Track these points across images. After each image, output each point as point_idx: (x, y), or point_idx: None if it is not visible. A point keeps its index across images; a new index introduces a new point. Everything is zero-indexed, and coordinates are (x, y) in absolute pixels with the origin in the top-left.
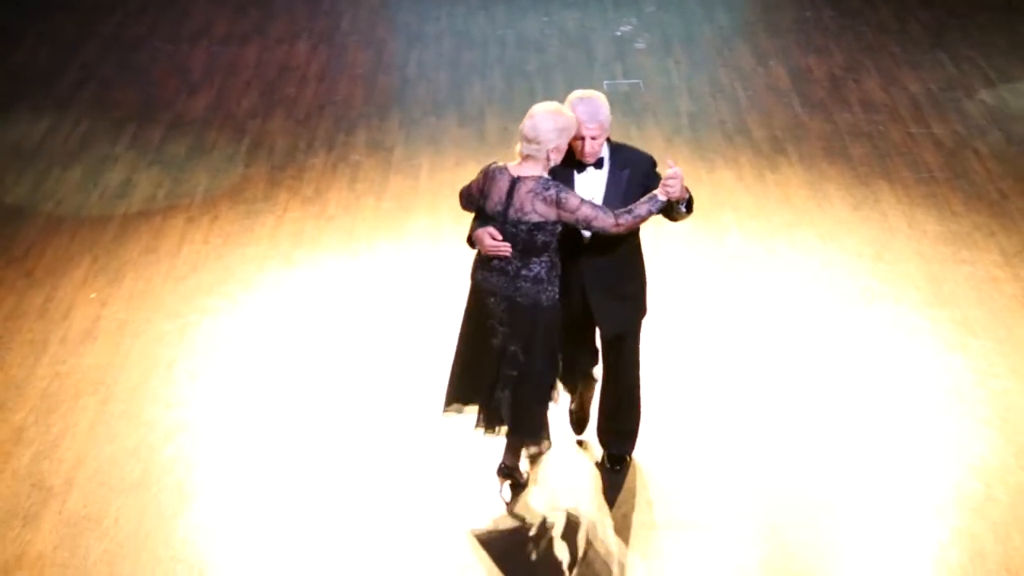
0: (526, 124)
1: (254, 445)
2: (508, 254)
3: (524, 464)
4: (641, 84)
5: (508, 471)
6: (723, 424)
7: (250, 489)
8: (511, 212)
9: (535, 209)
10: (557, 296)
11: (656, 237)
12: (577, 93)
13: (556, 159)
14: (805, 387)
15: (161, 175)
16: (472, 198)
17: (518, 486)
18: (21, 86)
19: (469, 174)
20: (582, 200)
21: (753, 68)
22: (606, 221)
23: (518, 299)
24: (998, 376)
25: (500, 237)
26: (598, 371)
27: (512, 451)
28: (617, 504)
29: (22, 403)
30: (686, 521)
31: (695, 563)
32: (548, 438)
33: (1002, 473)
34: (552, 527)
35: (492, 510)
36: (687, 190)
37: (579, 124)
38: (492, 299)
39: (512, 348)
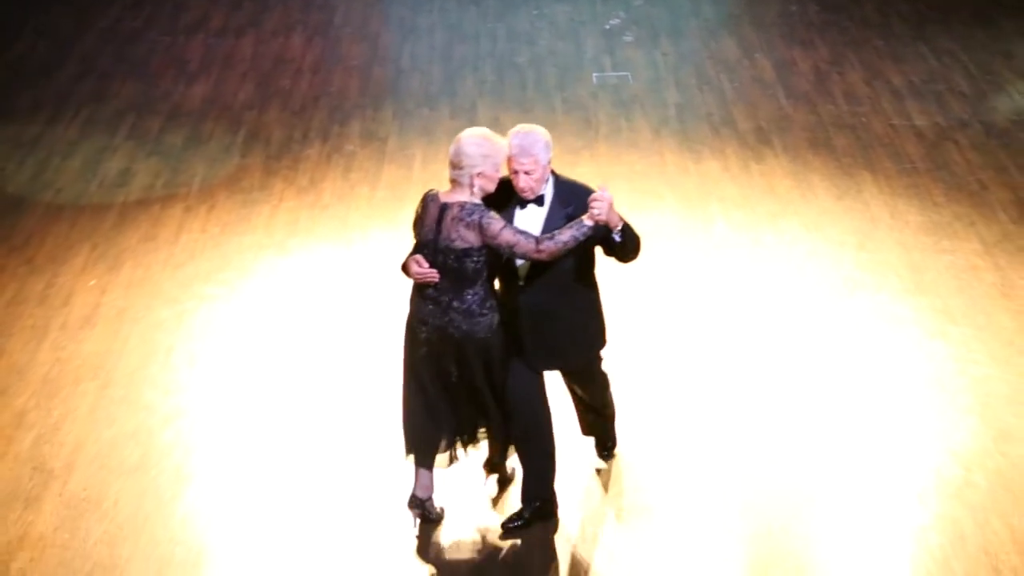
0: (452, 149)
1: (251, 430)
2: (435, 279)
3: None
4: (629, 76)
5: (492, 465)
6: (707, 413)
7: (247, 473)
8: (440, 239)
9: (460, 235)
10: (494, 324)
11: (642, 229)
12: (519, 126)
13: (483, 185)
14: (788, 375)
15: (159, 165)
16: (416, 226)
17: (505, 480)
18: (21, 78)
19: None
20: (504, 225)
21: (739, 60)
22: (527, 246)
23: (450, 330)
24: (978, 363)
25: (426, 264)
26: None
27: (493, 448)
28: (600, 493)
29: (23, 388)
30: (667, 510)
31: (676, 551)
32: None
33: (981, 458)
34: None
35: (480, 499)
36: (623, 220)
37: (512, 158)
38: (424, 328)
39: (475, 386)
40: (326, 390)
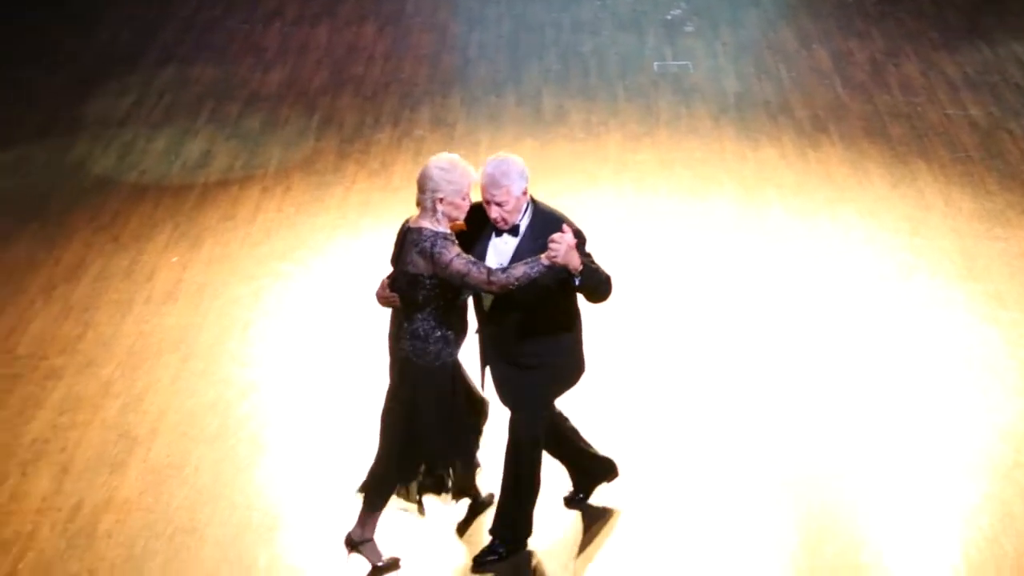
0: (419, 172)
1: (323, 402)
2: (395, 303)
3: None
4: (690, 65)
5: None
6: (765, 395)
7: (319, 444)
8: (400, 262)
9: (412, 260)
10: (443, 356)
11: (701, 215)
12: (495, 155)
13: (446, 211)
14: (843, 357)
15: (238, 148)
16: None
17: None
18: (107, 64)
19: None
20: (457, 255)
21: (797, 50)
22: (479, 277)
23: (397, 354)
24: None
25: (387, 288)
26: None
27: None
28: (655, 469)
29: (110, 359)
30: (723, 484)
31: (730, 526)
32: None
33: None
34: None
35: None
36: (585, 264)
37: (483, 187)
38: (389, 353)
39: (388, 406)
40: None
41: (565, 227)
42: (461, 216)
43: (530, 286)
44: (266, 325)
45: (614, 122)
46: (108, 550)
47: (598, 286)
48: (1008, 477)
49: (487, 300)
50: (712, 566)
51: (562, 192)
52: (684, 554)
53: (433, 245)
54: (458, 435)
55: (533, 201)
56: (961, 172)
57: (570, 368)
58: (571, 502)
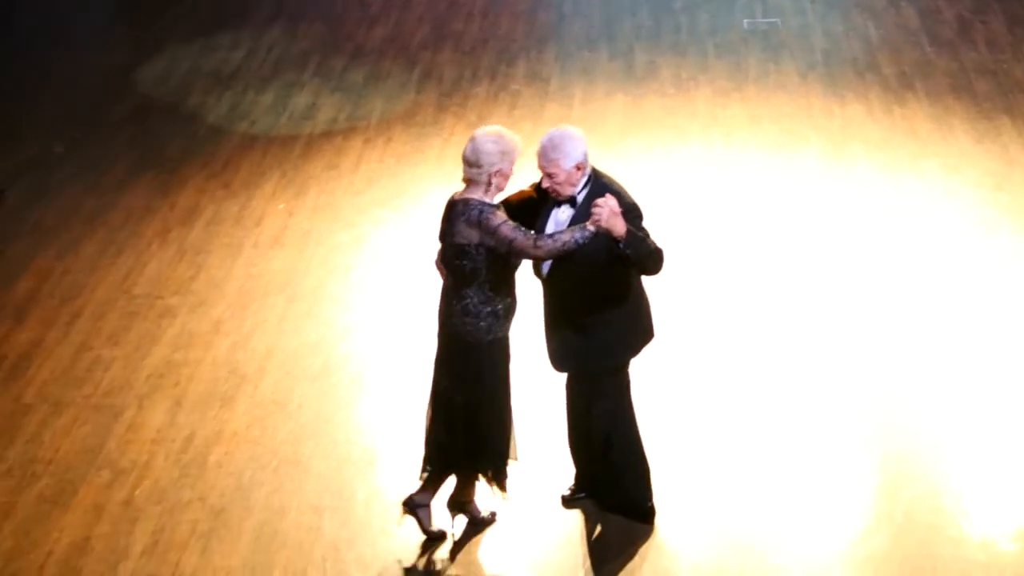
0: (467, 148)
1: (419, 345)
2: (443, 276)
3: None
4: (779, 23)
5: (458, 504)
6: (849, 343)
7: (415, 385)
8: (448, 236)
9: (460, 231)
10: (494, 332)
11: (788, 170)
12: (557, 126)
13: (499, 184)
14: (928, 309)
15: (342, 100)
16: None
17: (474, 524)
18: (222, 18)
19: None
20: (504, 221)
21: (884, 8)
22: (525, 243)
23: (447, 329)
24: None
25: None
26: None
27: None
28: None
29: (220, 299)
30: (807, 427)
31: (817, 468)
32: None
33: None
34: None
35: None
36: (630, 231)
37: (538, 156)
38: (438, 327)
39: (444, 384)
40: None
41: (608, 195)
42: (505, 184)
43: (580, 253)
44: (367, 270)
45: (704, 78)
46: (218, 479)
47: (646, 256)
48: None
49: (545, 267)
50: (791, 510)
51: (653, 146)
52: (764, 497)
53: (481, 212)
54: (506, 418)
55: (596, 173)
56: None
57: (631, 334)
58: (569, 501)
